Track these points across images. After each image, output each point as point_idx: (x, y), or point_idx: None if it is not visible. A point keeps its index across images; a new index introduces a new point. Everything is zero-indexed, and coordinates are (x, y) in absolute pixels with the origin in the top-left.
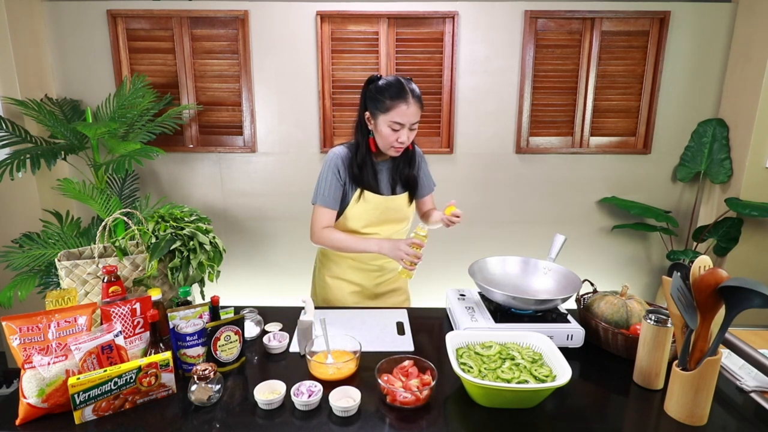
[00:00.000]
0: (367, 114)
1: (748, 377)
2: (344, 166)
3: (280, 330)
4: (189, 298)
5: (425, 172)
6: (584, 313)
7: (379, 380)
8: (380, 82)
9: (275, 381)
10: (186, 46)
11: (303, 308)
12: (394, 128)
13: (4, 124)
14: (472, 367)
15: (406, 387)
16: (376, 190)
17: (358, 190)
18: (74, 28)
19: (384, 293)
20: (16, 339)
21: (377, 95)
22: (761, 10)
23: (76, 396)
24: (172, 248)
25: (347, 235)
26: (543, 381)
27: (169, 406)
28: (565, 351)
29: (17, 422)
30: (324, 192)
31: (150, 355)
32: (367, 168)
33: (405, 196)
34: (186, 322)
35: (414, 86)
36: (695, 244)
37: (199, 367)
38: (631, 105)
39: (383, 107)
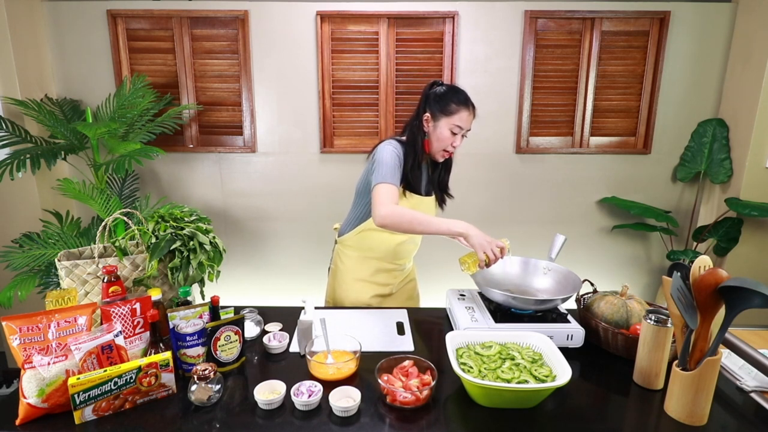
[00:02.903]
0: (427, 115)
1: (748, 377)
2: (402, 159)
3: (280, 330)
4: (189, 298)
5: None
6: (584, 313)
7: (379, 380)
8: (446, 88)
9: (275, 381)
10: (186, 46)
11: (303, 308)
12: (454, 131)
13: (4, 124)
14: (472, 367)
15: (406, 387)
16: (418, 191)
17: (401, 188)
18: (74, 28)
19: (399, 289)
20: (16, 339)
21: (444, 99)
22: (761, 10)
23: (76, 396)
24: (172, 248)
25: (424, 214)
26: (543, 381)
27: (169, 406)
28: (565, 351)
29: (17, 422)
30: (392, 171)
31: (150, 355)
32: (420, 167)
33: (433, 199)
34: (186, 322)
35: None
36: (695, 244)
37: (199, 367)
38: (631, 105)
39: (448, 111)
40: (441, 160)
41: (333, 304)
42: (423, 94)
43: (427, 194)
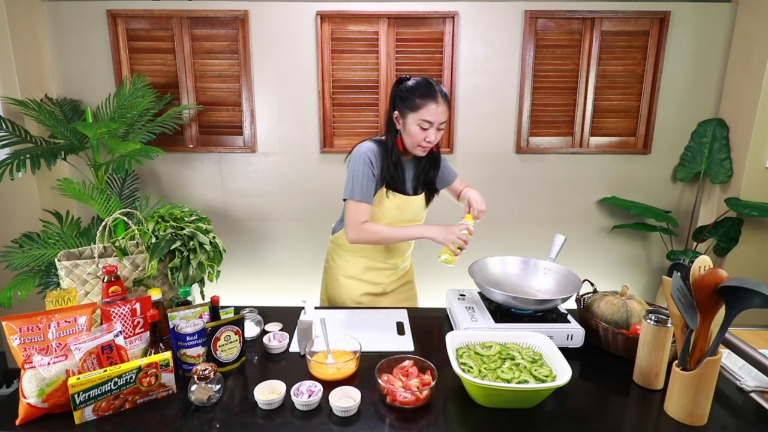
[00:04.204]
0: (396, 113)
1: (748, 377)
2: (377, 162)
3: (280, 330)
4: (189, 298)
5: (444, 166)
6: (584, 313)
7: (379, 380)
8: (410, 83)
9: (275, 381)
10: (186, 46)
11: (303, 308)
12: (423, 126)
13: (4, 124)
14: (472, 367)
15: (406, 387)
16: (402, 190)
17: (383, 188)
18: (74, 28)
19: (394, 289)
20: (16, 339)
21: (407, 94)
22: (761, 10)
23: (76, 396)
24: (172, 248)
25: (390, 227)
26: (543, 381)
27: (169, 406)
28: (565, 351)
29: (17, 422)
30: (360, 186)
31: (150, 355)
32: (398, 167)
33: (422, 197)
34: (186, 322)
35: (442, 87)
36: (695, 244)
37: (199, 367)
38: (631, 105)
39: (413, 106)
40: (421, 155)
41: (327, 301)
42: (391, 92)
43: (416, 193)
